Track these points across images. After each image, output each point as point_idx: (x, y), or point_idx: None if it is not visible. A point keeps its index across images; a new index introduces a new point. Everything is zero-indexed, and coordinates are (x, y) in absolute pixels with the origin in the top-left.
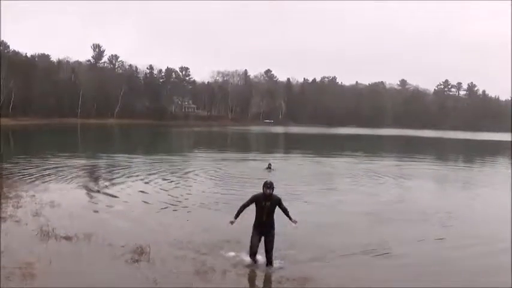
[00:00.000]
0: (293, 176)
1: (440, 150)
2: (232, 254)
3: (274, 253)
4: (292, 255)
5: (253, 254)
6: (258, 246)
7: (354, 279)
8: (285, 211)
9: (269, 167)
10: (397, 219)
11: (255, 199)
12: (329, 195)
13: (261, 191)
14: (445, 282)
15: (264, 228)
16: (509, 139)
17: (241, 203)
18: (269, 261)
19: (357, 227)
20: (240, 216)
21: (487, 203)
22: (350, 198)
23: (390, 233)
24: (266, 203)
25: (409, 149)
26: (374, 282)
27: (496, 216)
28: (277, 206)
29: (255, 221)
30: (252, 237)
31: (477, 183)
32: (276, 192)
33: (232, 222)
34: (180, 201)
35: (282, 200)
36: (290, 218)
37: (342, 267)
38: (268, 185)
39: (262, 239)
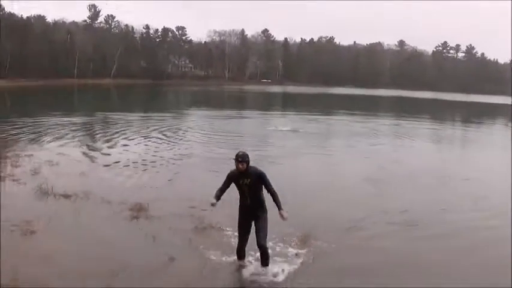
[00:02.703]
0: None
1: (441, 111)
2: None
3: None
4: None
5: (240, 257)
6: (245, 245)
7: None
8: (273, 194)
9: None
10: (413, 184)
11: (230, 178)
12: (332, 158)
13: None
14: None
15: (251, 213)
16: (508, 102)
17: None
18: (263, 260)
19: (367, 195)
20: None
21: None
22: (355, 161)
23: (412, 200)
24: (244, 181)
25: (409, 109)
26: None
27: None
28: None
29: (239, 206)
30: (238, 230)
31: (486, 144)
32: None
33: (213, 204)
34: (177, 159)
35: (267, 176)
36: (279, 208)
37: (369, 244)
38: (240, 158)
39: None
